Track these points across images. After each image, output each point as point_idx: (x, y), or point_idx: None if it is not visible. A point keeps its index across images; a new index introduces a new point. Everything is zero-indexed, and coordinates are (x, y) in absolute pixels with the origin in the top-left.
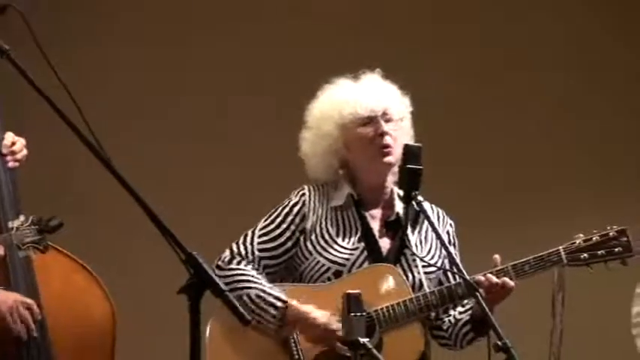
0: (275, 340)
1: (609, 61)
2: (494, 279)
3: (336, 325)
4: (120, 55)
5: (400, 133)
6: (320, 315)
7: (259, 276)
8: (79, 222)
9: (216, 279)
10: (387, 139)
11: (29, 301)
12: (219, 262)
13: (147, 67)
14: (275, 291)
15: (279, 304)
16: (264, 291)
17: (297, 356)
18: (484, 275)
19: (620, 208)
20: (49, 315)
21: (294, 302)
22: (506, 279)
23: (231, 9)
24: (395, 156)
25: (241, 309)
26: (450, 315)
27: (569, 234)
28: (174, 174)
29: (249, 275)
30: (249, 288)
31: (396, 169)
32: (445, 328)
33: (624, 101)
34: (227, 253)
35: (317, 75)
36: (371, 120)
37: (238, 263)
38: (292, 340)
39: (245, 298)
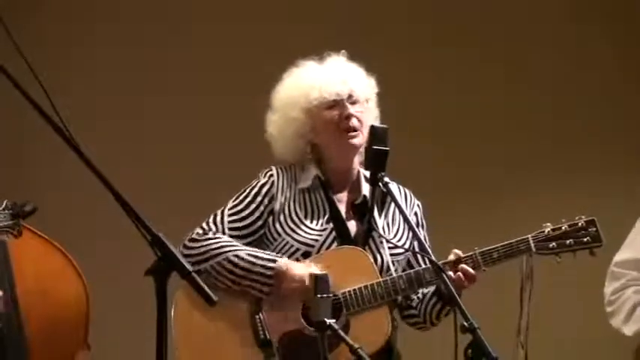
0: (241, 317)
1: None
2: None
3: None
4: (111, 54)
5: (367, 115)
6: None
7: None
8: (47, 206)
9: (183, 260)
10: (353, 122)
11: None
12: (194, 236)
13: (136, 68)
14: (264, 251)
15: (272, 263)
16: (255, 251)
17: (262, 335)
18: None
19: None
20: (23, 297)
21: (284, 259)
22: (465, 266)
23: (227, 9)
24: (361, 138)
25: (207, 289)
26: (417, 293)
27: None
28: (173, 173)
29: (231, 240)
30: (239, 249)
31: (362, 150)
32: (415, 305)
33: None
34: (199, 229)
35: None
36: (337, 103)
37: (214, 234)
38: (258, 319)
39: (234, 258)
